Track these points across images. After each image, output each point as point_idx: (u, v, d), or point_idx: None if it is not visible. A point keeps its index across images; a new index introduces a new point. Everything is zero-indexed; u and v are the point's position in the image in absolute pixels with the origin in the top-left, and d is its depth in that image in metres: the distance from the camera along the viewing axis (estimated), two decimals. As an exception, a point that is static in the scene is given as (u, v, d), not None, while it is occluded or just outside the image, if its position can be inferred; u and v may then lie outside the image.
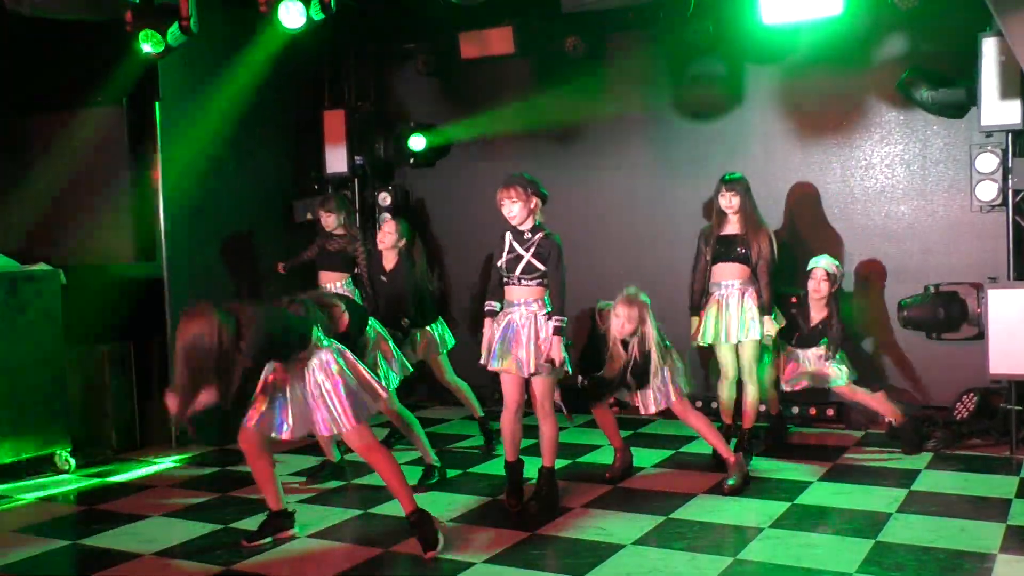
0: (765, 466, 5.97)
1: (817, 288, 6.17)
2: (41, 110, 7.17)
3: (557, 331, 4.94)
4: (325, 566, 4.41)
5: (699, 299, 6.09)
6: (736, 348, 6.01)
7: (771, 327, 5.97)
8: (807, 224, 7.13)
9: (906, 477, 5.63)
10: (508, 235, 5.10)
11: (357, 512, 5.24)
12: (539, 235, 5.05)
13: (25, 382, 6.09)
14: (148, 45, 6.25)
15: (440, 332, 6.57)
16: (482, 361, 5.15)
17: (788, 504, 5.17)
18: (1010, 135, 6.11)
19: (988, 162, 6.17)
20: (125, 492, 5.70)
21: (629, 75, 7.71)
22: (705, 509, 5.12)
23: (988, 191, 6.19)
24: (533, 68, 7.94)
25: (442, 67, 8.05)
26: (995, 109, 6.01)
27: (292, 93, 8.05)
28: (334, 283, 7.08)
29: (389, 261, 6.49)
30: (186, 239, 6.90)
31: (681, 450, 6.43)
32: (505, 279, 5.09)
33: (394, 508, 5.27)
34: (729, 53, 7.23)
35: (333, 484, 5.79)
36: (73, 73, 6.93)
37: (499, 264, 5.09)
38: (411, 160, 8.17)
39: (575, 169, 7.86)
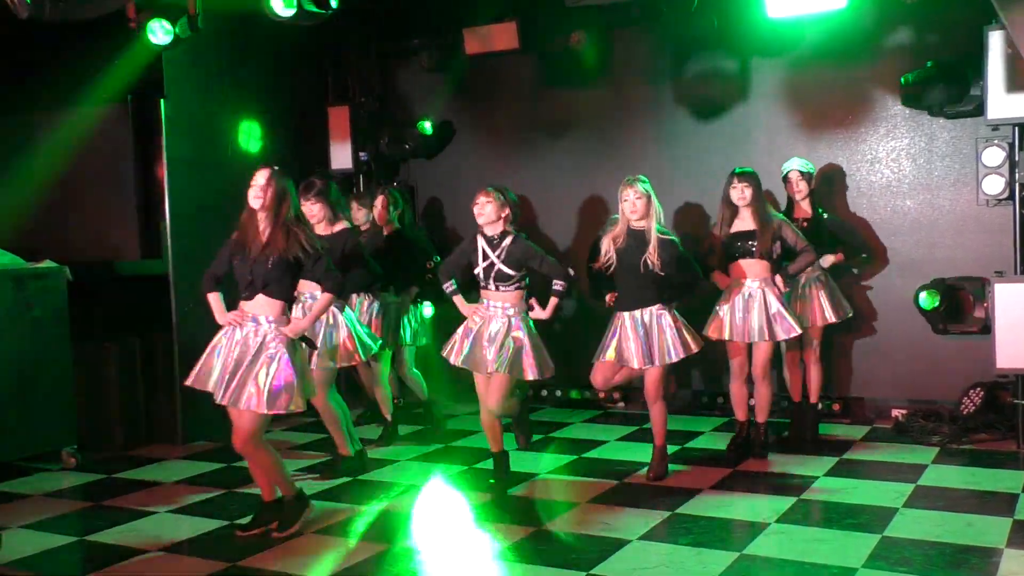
0: (772, 461, 5.95)
1: (797, 189, 6.33)
2: (46, 107, 7.17)
3: (557, 293, 5.22)
4: (330, 562, 4.42)
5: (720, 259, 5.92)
6: (751, 347, 5.88)
7: (798, 325, 5.81)
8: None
9: (912, 472, 5.62)
10: (480, 240, 5.24)
11: (360, 508, 5.24)
12: (508, 240, 5.19)
13: (32, 379, 6.11)
14: (159, 33, 6.13)
15: (415, 326, 6.68)
16: (449, 356, 5.35)
17: (794, 499, 5.16)
18: (1017, 129, 6.07)
19: (995, 156, 6.14)
20: (131, 488, 5.71)
21: (633, 70, 7.70)
22: (711, 504, 5.12)
23: (995, 185, 6.16)
24: (537, 63, 7.94)
25: (446, 63, 8.04)
26: (1002, 102, 5.98)
27: (297, 89, 8.04)
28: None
29: (389, 231, 6.71)
30: (192, 236, 6.89)
31: (687, 446, 6.42)
32: (482, 284, 5.24)
33: (399, 503, 5.28)
34: (733, 47, 7.22)
35: (343, 480, 5.79)
36: (78, 70, 6.93)
37: (476, 272, 5.25)
38: (412, 150, 8.16)
39: (579, 164, 7.85)
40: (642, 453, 6.06)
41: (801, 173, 6.33)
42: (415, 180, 8.53)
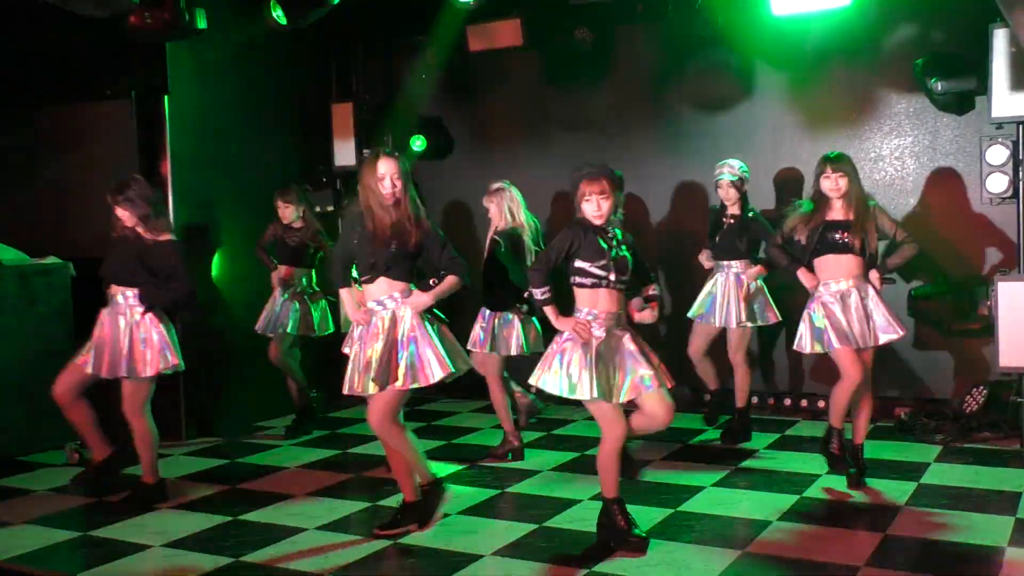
0: (774, 459, 5.96)
1: (727, 196, 6.22)
2: (49, 104, 7.19)
3: (652, 298, 4.56)
4: (334, 558, 4.42)
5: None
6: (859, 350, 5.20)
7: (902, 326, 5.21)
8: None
9: (915, 470, 5.62)
10: (592, 234, 4.35)
11: (364, 504, 5.25)
12: (617, 231, 4.45)
13: (37, 374, 6.11)
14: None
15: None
16: (557, 390, 4.30)
17: (797, 497, 5.16)
18: (1021, 127, 6.06)
19: (998, 154, 6.12)
20: (134, 484, 5.71)
21: (637, 67, 7.70)
22: (713, 501, 5.12)
23: (998, 183, 6.15)
24: (541, 61, 7.93)
25: (450, 59, 8.03)
26: (1006, 100, 5.97)
27: (300, 86, 8.05)
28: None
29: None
30: (195, 231, 6.91)
31: (690, 443, 6.42)
32: (592, 282, 4.32)
33: (401, 500, 5.28)
34: (738, 45, 7.19)
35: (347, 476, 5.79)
36: (81, 67, 6.94)
37: (591, 267, 4.30)
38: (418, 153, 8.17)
39: (582, 161, 7.82)
40: (644, 451, 6.07)
41: (731, 181, 6.20)
42: (419, 177, 8.50)
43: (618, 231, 4.42)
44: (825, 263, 5.22)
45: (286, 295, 6.78)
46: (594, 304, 4.32)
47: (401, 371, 4.44)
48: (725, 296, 6.28)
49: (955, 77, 6.31)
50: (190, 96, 6.92)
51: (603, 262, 4.31)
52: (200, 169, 6.97)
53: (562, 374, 4.26)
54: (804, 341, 5.24)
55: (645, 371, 4.28)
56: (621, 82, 7.73)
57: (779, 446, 6.28)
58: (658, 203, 7.64)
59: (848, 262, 5.18)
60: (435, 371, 4.46)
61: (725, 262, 6.34)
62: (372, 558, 4.44)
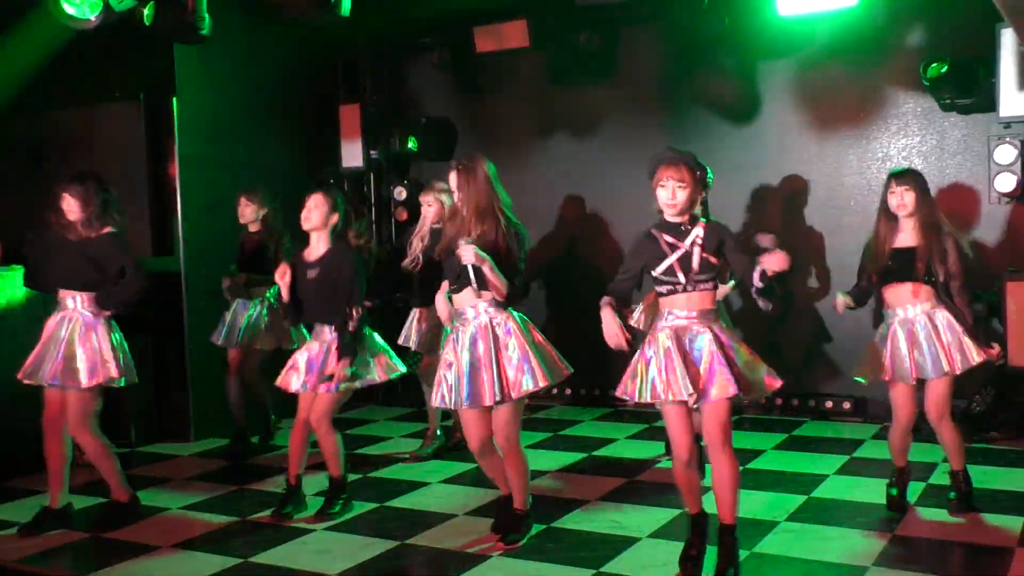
0: (781, 459, 5.95)
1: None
2: (58, 106, 7.21)
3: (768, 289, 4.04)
4: (342, 559, 4.43)
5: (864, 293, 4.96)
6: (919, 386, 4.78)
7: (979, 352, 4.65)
8: (823, 217, 7.10)
9: (923, 470, 5.60)
10: (657, 232, 4.06)
11: (373, 505, 5.26)
12: (699, 225, 4.03)
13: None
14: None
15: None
16: (629, 394, 4.05)
17: (804, 497, 5.15)
18: (1029, 126, 6.06)
19: (1007, 154, 6.12)
20: (143, 485, 5.73)
21: (644, 68, 7.70)
22: (721, 502, 5.11)
23: (1007, 183, 6.15)
24: (548, 62, 7.94)
25: (457, 61, 8.05)
26: (1014, 100, 5.96)
27: (308, 87, 8.07)
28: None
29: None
30: (203, 234, 6.92)
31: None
32: (667, 288, 4.01)
33: (410, 501, 5.30)
34: (744, 45, 7.20)
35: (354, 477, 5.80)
36: (90, 69, 6.96)
37: (656, 272, 4.01)
38: (422, 149, 8.17)
39: (589, 162, 7.85)
40: (651, 450, 6.06)
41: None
42: (426, 178, 8.52)
43: (699, 229, 3.99)
44: (893, 291, 4.75)
45: (253, 305, 6.38)
46: (671, 308, 3.99)
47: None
48: None
49: (967, 94, 6.27)
50: (198, 98, 6.94)
51: (667, 265, 3.98)
52: (208, 170, 6.99)
53: (639, 379, 4.00)
54: (867, 370, 4.90)
55: (719, 376, 3.89)
56: (628, 83, 7.73)
57: (787, 447, 6.27)
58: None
59: (918, 290, 4.69)
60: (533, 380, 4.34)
61: None
62: (380, 558, 4.45)
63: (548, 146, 8.01)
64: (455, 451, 6.16)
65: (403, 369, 5.10)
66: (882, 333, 4.82)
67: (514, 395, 4.32)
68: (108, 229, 4.89)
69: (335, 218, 5.00)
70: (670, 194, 3.96)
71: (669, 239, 4.00)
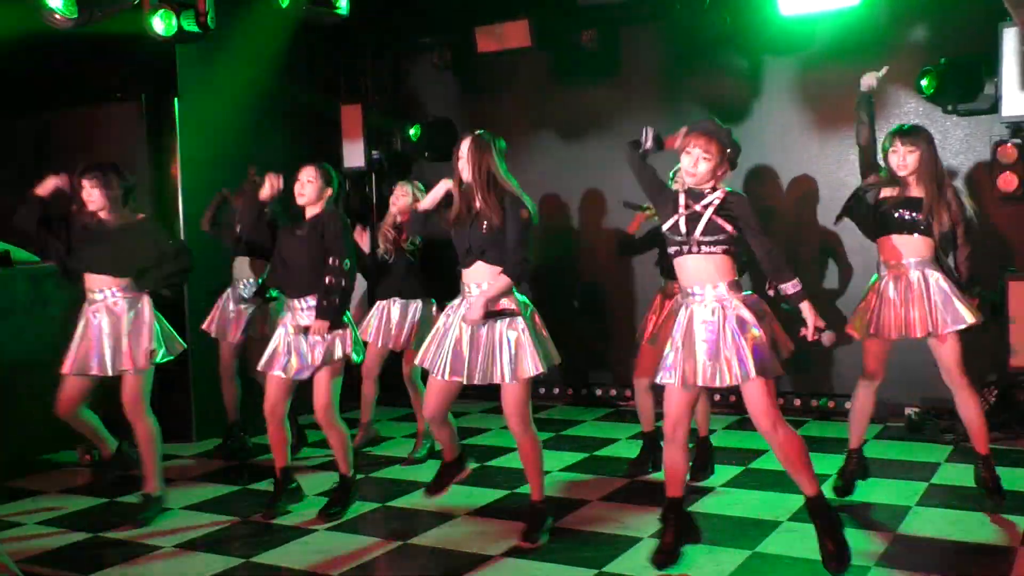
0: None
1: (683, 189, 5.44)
2: (60, 106, 7.21)
3: (799, 296, 3.98)
4: (343, 559, 4.43)
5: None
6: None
7: (972, 314, 4.60)
8: (824, 216, 7.09)
9: (926, 470, 5.61)
10: (681, 195, 4.05)
11: (375, 505, 5.26)
12: (721, 191, 3.97)
13: (48, 376, 6.12)
14: (160, 26, 5.94)
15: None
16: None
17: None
18: (1032, 126, 6.05)
19: (1009, 154, 6.11)
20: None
21: (646, 68, 7.70)
22: (723, 502, 5.12)
23: (1009, 183, 6.14)
24: (549, 62, 7.94)
25: (458, 61, 8.05)
26: (1017, 100, 5.96)
27: (309, 87, 8.06)
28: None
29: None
30: (205, 234, 6.92)
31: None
32: (674, 248, 4.00)
33: (412, 501, 5.29)
34: (746, 45, 7.20)
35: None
36: (91, 69, 6.96)
37: (665, 228, 4.03)
38: (424, 149, 8.17)
39: (591, 162, 7.85)
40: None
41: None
42: (428, 179, 8.51)
43: (719, 194, 3.95)
44: (888, 243, 4.71)
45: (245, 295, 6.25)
46: (682, 278, 3.97)
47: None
48: None
49: (967, 98, 6.25)
50: (200, 98, 6.94)
51: (673, 222, 3.94)
52: (210, 170, 6.98)
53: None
54: (857, 325, 4.80)
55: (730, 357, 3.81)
56: (629, 83, 7.73)
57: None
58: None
59: (915, 243, 4.65)
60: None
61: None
62: (383, 559, 4.45)
63: (549, 146, 8.01)
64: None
65: (359, 359, 5.04)
66: (874, 286, 4.78)
67: (508, 379, 4.30)
68: (142, 216, 5.07)
69: (329, 191, 5.00)
70: (692, 162, 3.93)
71: (686, 198, 3.99)
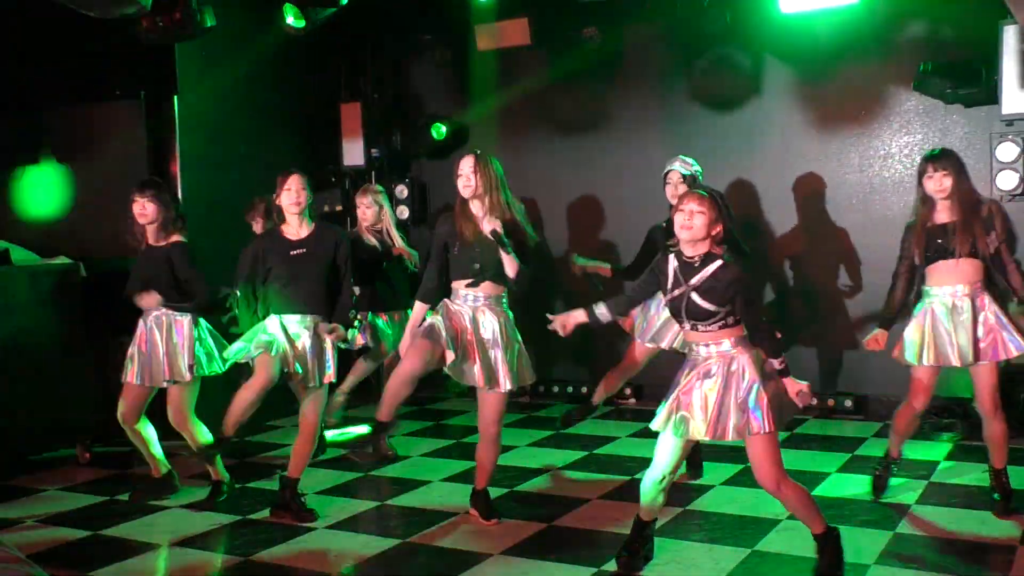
0: (783, 457, 5.92)
1: (675, 194, 5.31)
2: (59, 104, 7.21)
3: (783, 372, 3.85)
4: (343, 557, 4.43)
5: (896, 310, 4.80)
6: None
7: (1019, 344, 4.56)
8: (825, 215, 7.09)
9: (925, 468, 5.60)
10: (673, 259, 3.90)
11: (374, 503, 5.26)
12: (712, 265, 3.78)
13: (47, 374, 6.14)
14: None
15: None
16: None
17: (806, 496, 5.14)
18: (1032, 123, 6.05)
19: (1009, 151, 6.12)
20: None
21: (646, 66, 7.69)
22: (723, 500, 5.11)
23: (1009, 180, 6.14)
24: (549, 59, 7.93)
25: (458, 59, 8.04)
26: (1016, 97, 5.95)
27: (309, 85, 8.06)
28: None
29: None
30: (204, 232, 6.90)
31: (698, 441, 6.40)
32: (675, 319, 3.98)
33: (411, 499, 5.29)
34: (746, 43, 7.19)
35: (356, 475, 5.80)
36: (91, 67, 6.96)
37: (664, 300, 4.00)
38: (425, 152, 8.17)
39: (591, 160, 7.85)
40: (652, 449, 6.03)
41: (683, 176, 5.40)
42: (427, 177, 8.53)
43: (710, 269, 3.76)
44: (936, 270, 4.63)
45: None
46: (687, 337, 3.94)
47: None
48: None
49: (966, 86, 6.25)
50: (199, 96, 6.94)
51: (670, 298, 3.87)
52: (209, 169, 6.99)
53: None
54: (905, 351, 4.69)
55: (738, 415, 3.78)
56: (630, 81, 7.72)
57: (789, 444, 6.26)
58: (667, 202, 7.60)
59: (962, 268, 4.57)
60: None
61: None
62: (381, 557, 4.45)
63: (550, 144, 8.00)
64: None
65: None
66: (922, 311, 4.66)
67: (500, 389, 4.61)
68: (177, 238, 5.23)
69: (309, 197, 5.06)
70: (687, 217, 3.76)
71: (677, 271, 3.85)
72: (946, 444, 6.14)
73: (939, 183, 4.59)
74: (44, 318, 6.16)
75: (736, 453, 6.02)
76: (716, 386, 3.78)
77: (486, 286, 4.63)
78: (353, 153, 8.21)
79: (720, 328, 3.78)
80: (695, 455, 5.66)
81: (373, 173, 8.39)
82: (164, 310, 5.17)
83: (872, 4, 6.39)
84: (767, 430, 3.76)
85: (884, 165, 6.96)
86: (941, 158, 4.63)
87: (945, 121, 6.75)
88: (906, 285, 4.75)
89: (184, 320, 5.18)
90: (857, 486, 5.29)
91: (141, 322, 5.24)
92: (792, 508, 3.98)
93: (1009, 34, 5.91)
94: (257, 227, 6.35)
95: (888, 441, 5.08)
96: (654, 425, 3.98)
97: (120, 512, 5.18)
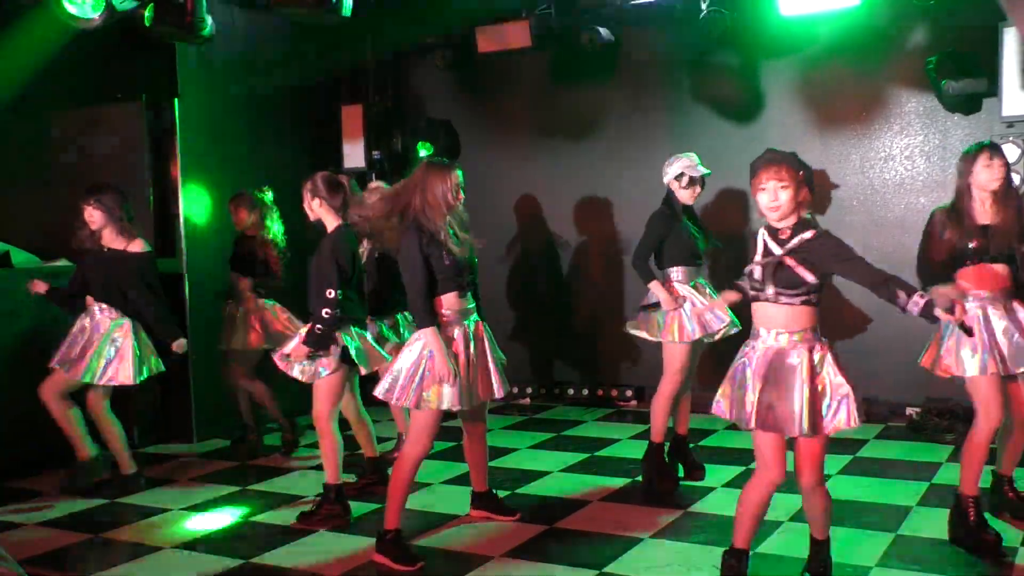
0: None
1: (694, 195, 5.39)
2: (60, 107, 7.21)
3: (927, 307, 3.41)
4: (345, 560, 4.43)
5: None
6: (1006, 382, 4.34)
7: None
8: (826, 217, 7.08)
9: (927, 470, 5.60)
10: (762, 233, 3.70)
11: (375, 506, 5.26)
12: (807, 233, 3.59)
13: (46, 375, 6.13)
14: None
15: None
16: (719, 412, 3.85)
17: (807, 497, 5.14)
18: (1032, 125, 6.04)
19: (1010, 153, 6.11)
20: (146, 485, 5.73)
21: (647, 68, 7.69)
22: (723, 502, 5.11)
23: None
24: (550, 62, 7.94)
25: (459, 61, 8.05)
26: (1017, 99, 5.96)
27: (310, 88, 8.06)
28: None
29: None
30: (205, 235, 6.93)
31: (700, 444, 6.40)
32: (752, 292, 3.69)
33: (412, 502, 5.28)
34: (747, 45, 7.20)
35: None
36: (91, 69, 6.96)
37: (746, 271, 3.70)
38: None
39: (592, 162, 7.85)
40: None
41: (704, 179, 5.42)
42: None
43: (803, 236, 3.56)
44: (966, 275, 4.32)
45: (240, 308, 6.27)
46: (757, 321, 3.67)
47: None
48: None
49: (967, 78, 6.26)
50: (200, 99, 6.94)
51: (752, 267, 3.63)
52: (210, 171, 6.99)
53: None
54: (963, 364, 4.29)
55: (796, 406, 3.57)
56: (630, 83, 7.73)
57: (789, 445, 6.24)
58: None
59: (992, 273, 4.30)
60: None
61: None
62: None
63: (550, 146, 8.01)
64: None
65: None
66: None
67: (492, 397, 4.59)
68: (138, 248, 5.41)
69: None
70: (772, 196, 3.55)
71: (768, 242, 3.64)
72: (948, 446, 6.14)
73: (998, 172, 4.25)
74: (45, 320, 6.16)
75: (737, 454, 6.03)
76: (793, 377, 3.56)
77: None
78: (354, 155, 8.22)
79: (802, 303, 3.56)
80: (695, 456, 5.66)
81: (374, 175, 8.40)
82: (107, 308, 5.38)
83: (872, 7, 6.39)
84: (855, 424, 3.58)
85: (885, 166, 6.96)
86: (999, 148, 4.35)
87: (945, 123, 6.75)
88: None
89: (124, 325, 5.38)
90: (858, 488, 5.29)
91: (83, 318, 5.43)
92: (816, 511, 3.84)
93: (1009, 36, 5.91)
94: (239, 218, 6.28)
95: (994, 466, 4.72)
96: (745, 424, 3.73)
97: (121, 515, 5.18)
